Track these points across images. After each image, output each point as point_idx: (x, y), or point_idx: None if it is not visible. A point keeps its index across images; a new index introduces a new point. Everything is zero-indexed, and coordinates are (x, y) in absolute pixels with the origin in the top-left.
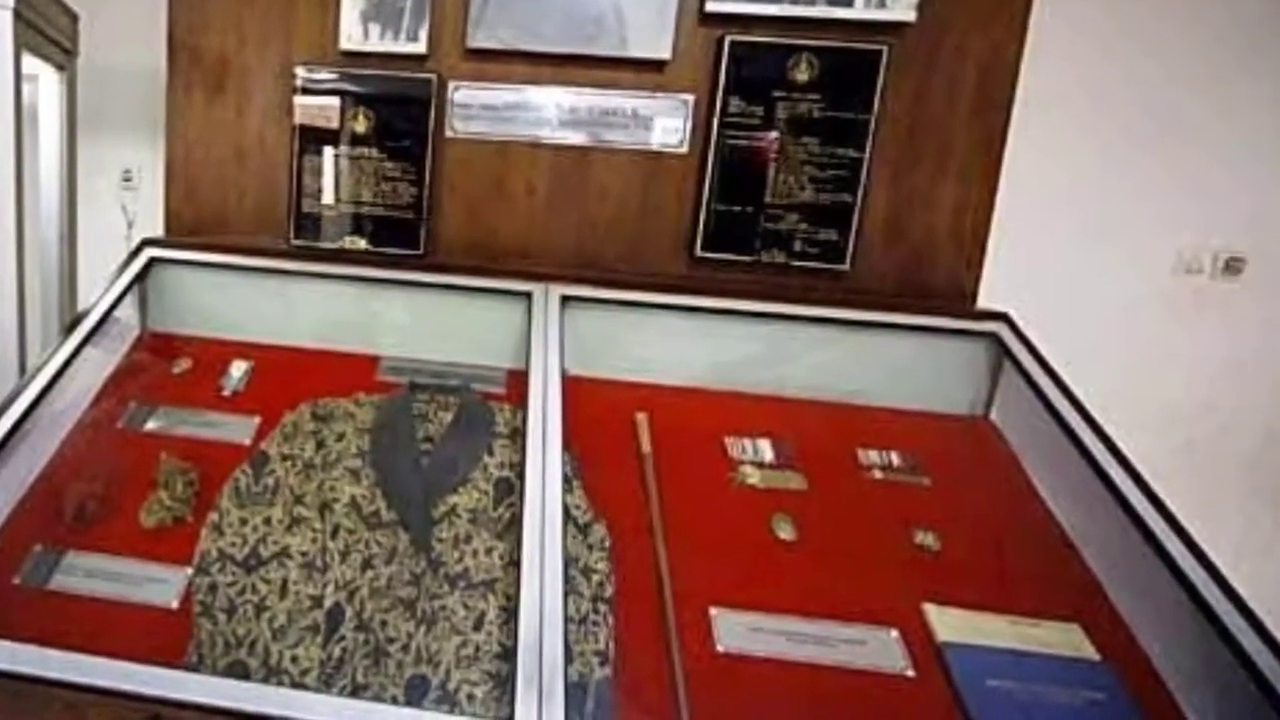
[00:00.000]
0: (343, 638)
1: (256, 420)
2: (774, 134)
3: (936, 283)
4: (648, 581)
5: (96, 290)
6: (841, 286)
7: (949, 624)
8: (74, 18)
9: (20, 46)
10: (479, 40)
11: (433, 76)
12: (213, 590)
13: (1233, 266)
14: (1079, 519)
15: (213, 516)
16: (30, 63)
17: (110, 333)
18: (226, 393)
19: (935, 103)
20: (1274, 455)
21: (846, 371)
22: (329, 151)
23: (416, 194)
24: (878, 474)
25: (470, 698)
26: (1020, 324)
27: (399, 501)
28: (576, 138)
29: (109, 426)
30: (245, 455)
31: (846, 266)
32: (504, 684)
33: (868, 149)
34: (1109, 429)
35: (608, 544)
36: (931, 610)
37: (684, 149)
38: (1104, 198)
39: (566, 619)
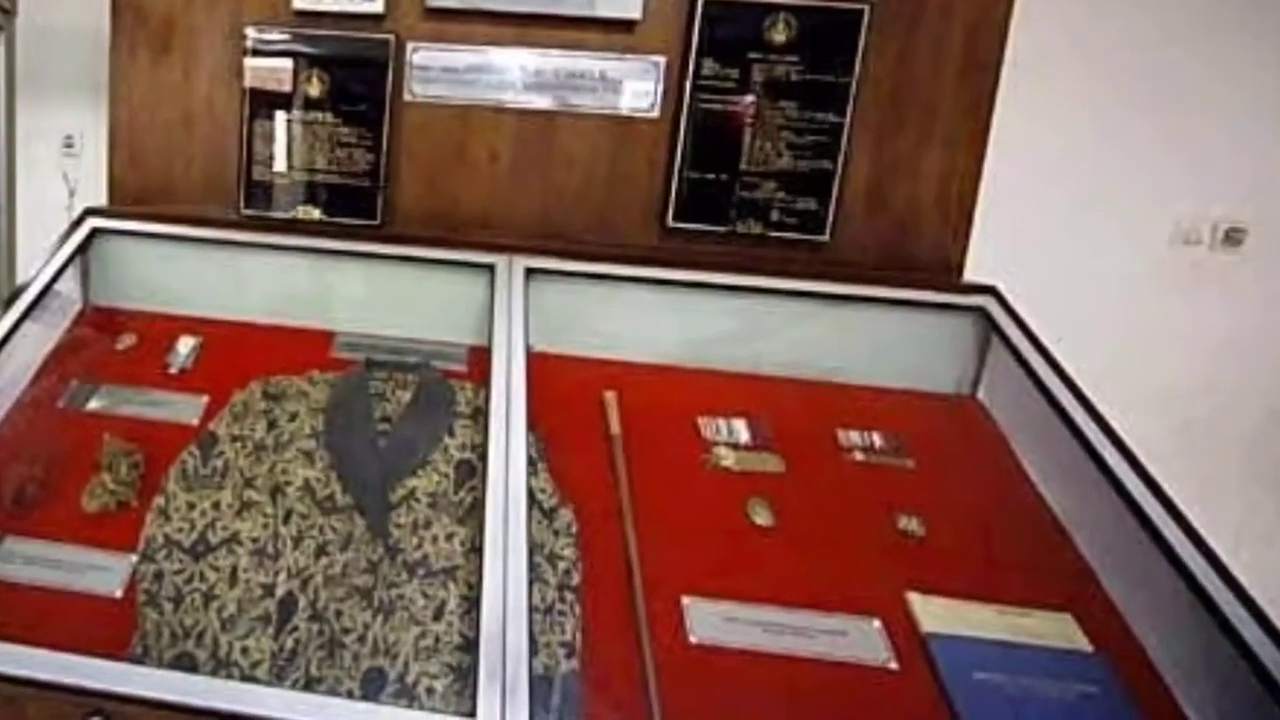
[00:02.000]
0: (295, 628)
1: (205, 399)
2: (750, 98)
3: (921, 254)
4: (617, 569)
5: (36, 263)
6: (821, 258)
7: (934, 614)
8: None
9: None
10: None
11: (390, 37)
12: (158, 578)
13: (1233, 237)
14: (1071, 503)
15: (158, 500)
16: None
17: (51, 307)
18: (173, 370)
19: (920, 65)
20: (1277, 437)
21: (826, 348)
22: (281, 116)
23: (373, 161)
24: (859, 456)
25: (430, 691)
26: (1009, 298)
27: (355, 485)
28: (541, 102)
29: (49, 406)
30: (193, 436)
31: (826, 237)
32: (465, 677)
33: (848, 114)
34: (1102, 409)
35: (574, 529)
36: (915, 599)
37: (655, 113)
38: (1098, 165)
39: (531, 608)
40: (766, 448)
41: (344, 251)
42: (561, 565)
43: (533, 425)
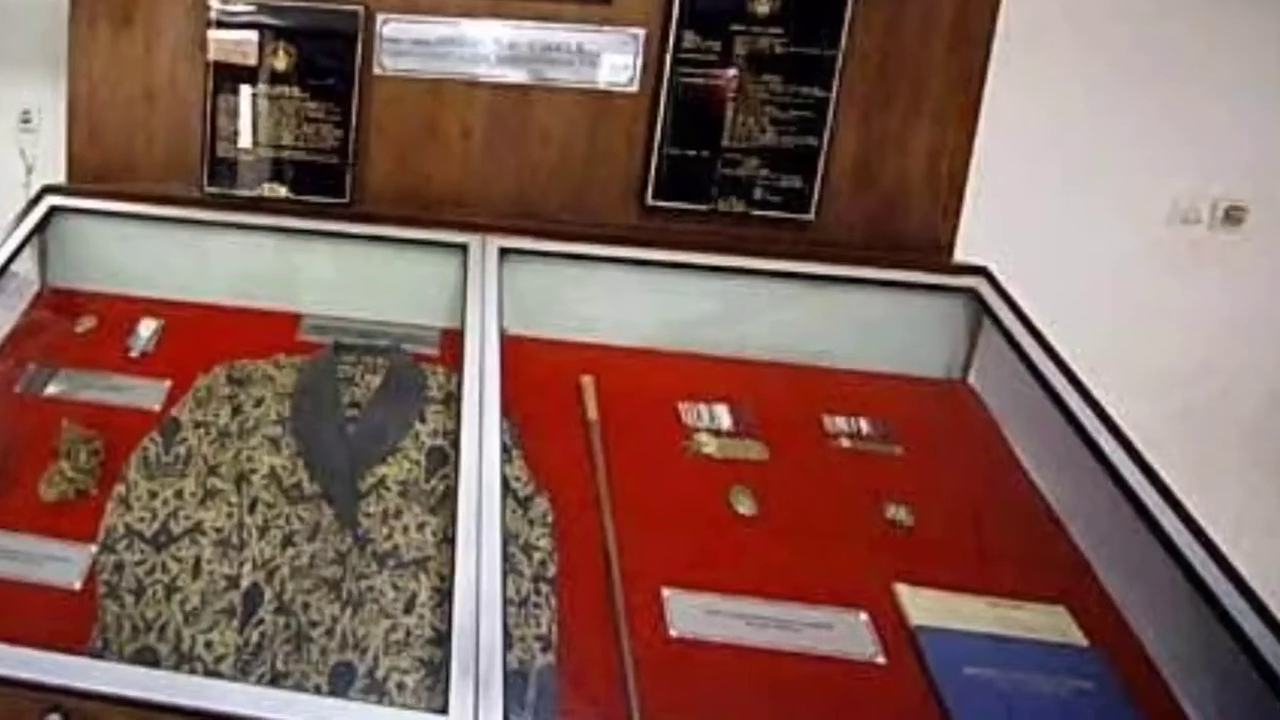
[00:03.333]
0: (261, 621)
1: (167, 384)
2: (732, 71)
3: (910, 234)
4: (594, 560)
5: None
6: (806, 238)
7: (923, 606)
8: None
9: None
10: None
11: (360, 9)
12: (119, 569)
13: (1233, 216)
14: (1065, 492)
15: (119, 489)
16: None
17: (7, 288)
18: (134, 354)
19: (908, 37)
20: (1278, 421)
21: (811, 331)
22: (246, 90)
23: (342, 137)
24: (845, 442)
25: (400, 686)
26: (1001, 279)
27: (322, 473)
28: (516, 75)
29: (6, 391)
30: (154, 422)
31: (811, 216)
32: (437, 671)
33: (835, 88)
34: (1098, 393)
35: (550, 519)
36: (904, 591)
37: (634, 88)
38: (1093, 141)
39: (505, 601)
40: (749, 434)
41: (311, 231)
42: (537, 556)
43: (507, 411)
